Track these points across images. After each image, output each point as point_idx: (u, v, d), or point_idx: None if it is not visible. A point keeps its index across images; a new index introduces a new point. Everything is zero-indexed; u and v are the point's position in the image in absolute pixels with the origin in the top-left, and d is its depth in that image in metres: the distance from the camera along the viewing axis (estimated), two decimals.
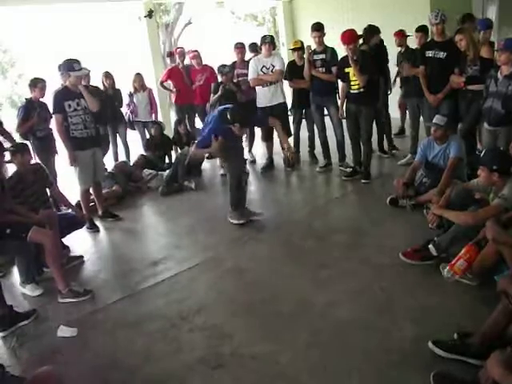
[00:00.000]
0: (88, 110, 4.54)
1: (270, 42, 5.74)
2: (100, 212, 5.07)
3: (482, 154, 3.08)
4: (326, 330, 2.75)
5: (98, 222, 4.92)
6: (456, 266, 2.86)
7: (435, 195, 3.57)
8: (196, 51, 6.85)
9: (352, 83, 5.07)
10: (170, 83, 7.17)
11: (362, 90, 5.00)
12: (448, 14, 4.90)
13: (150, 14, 7.85)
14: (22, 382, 2.47)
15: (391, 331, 2.66)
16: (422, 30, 5.55)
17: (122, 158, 6.93)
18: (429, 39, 5.42)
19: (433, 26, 4.91)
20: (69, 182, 5.79)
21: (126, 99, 6.96)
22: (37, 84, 5.13)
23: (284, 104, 6.01)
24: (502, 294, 2.22)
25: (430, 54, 4.92)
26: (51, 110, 4.64)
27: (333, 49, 5.53)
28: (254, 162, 6.78)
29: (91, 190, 4.94)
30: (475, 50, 4.49)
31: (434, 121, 4.10)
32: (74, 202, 4.62)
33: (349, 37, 4.90)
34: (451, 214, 3.14)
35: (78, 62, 4.40)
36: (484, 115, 4.17)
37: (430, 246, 3.27)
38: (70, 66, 4.35)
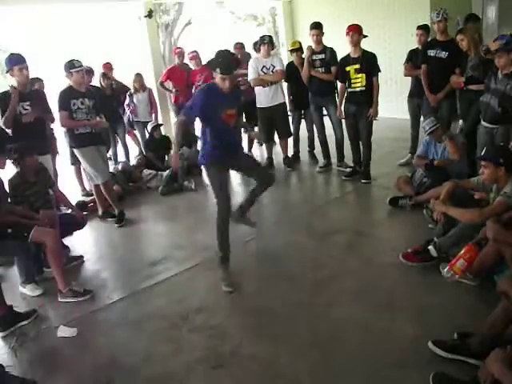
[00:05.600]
0: (92, 109, 4.62)
1: (269, 42, 5.73)
2: (100, 212, 5.08)
3: (483, 151, 3.07)
4: (325, 330, 2.75)
5: (98, 222, 4.93)
6: (456, 266, 2.86)
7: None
8: (195, 52, 6.86)
9: (353, 81, 5.06)
10: (169, 83, 7.17)
11: (363, 88, 5.00)
12: (448, 13, 4.91)
13: (149, 14, 7.84)
14: (23, 382, 2.49)
15: (391, 331, 2.66)
16: (422, 27, 5.55)
17: (121, 158, 6.94)
18: (430, 39, 5.42)
19: (434, 25, 4.92)
20: (69, 182, 5.82)
21: (126, 99, 6.96)
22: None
23: (284, 104, 6.01)
24: (502, 294, 2.22)
25: (431, 53, 4.93)
26: (57, 108, 4.66)
27: (332, 49, 5.52)
28: None
29: (92, 189, 4.96)
30: (476, 50, 4.49)
31: (427, 129, 4.18)
32: (73, 202, 4.62)
33: (354, 27, 4.94)
34: (456, 212, 3.12)
35: (77, 60, 4.51)
36: (480, 109, 4.17)
37: (431, 247, 3.27)
38: (70, 65, 4.46)
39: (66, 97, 4.51)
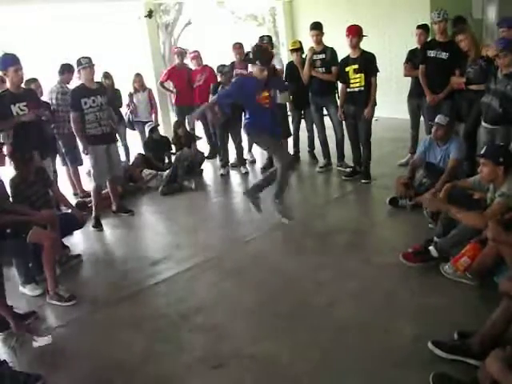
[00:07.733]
0: (104, 106, 4.63)
1: (268, 42, 5.75)
2: (114, 207, 5.14)
3: (483, 149, 3.06)
4: (326, 330, 2.75)
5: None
6: (460, 263, 2.87)
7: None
8: (197, 51, 6.86)
9: (352, 81, 5.06)
10: (169, 84, 7.17)
11: (362, 88, 5.00)
12: (448, 14, 4.91)
13: (149, 14, 7.85)
14: (27, 378, 2.49)
15: (391, 331, 2.66)
16: (422, 27, 5.55)
17: (121, 158, 6.93)
18: (429, 39, 5.42)
19: (435, 25, 4.91)
20: (68, 183, 5.82)
21: (126, 99, 6.95)
22: (30, 84, 5.11)
23: (282, 105, 5.99)
24: (504, 295, 2.22)
25: (431, 53, 4.92)
26: (69, 108, 4.69)
27: (332, 49, 5.52)
28: (253, 162, 6.78)
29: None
30: (476, 49, 4.49)
31: (436, 120, 4.10)
32: (73, 203, 4.62)
33: (353, 30, 4.93)
34: (458, 214, 3.03)
35: (86, 57, 4.53)
36: (481, 110, 4.16)
37: (431, 248, 3.26)
38: (78, 62, 4.51)
39: (77, 96, 4.53)
